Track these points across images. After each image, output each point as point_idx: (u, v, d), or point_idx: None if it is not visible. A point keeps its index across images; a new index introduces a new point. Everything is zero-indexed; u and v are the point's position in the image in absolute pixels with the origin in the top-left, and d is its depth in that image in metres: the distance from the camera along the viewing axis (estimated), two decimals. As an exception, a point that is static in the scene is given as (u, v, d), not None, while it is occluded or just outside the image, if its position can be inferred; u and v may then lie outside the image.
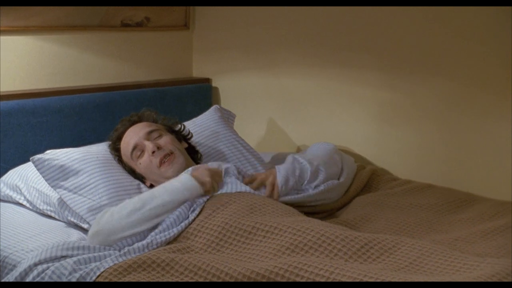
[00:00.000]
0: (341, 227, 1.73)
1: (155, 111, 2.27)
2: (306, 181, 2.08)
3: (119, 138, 2.17)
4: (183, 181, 1.87)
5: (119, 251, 1.79)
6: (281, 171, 2.06)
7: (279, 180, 2.02)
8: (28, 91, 2.49)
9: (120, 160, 2.17)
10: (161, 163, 2.06)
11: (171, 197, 1.84)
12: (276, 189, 2.01)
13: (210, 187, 1.90)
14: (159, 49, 2.99)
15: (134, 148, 2.10)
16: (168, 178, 1.98)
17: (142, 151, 2.09)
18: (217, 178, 1.96)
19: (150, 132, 2.13)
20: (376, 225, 1.95)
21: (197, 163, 2.21)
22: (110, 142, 2.21)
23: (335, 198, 2.17)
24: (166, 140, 2.12)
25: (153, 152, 2.06)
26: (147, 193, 1.88)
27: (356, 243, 1.59)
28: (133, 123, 2.19)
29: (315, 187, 2.08)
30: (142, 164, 2.09)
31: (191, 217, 1.84)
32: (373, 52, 2.55)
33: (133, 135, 2.13)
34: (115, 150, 2.18)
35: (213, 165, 2.09)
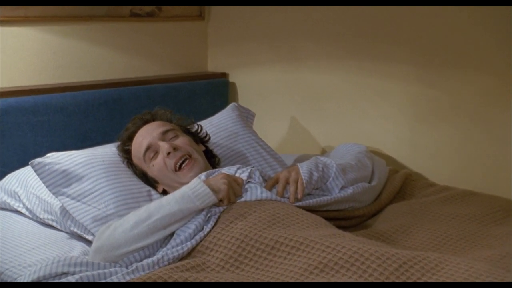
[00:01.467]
0: (376, 243, 1.66)
1: (170, 110, 2.23)
2: (331, 178, 2.02)
3: (130, 138, 2.12)
4: (194, 188, 1.80)
5: (127, 267, 1.73)
6: (303, 166, 2.01)
7: (303, 175, 1.97)
8: (28, 88, 2.47)
9: (130, 163, 2.12)
10: (177, 166, 2.01)
11: (180, 205, 1.77)
12: (301, 186, 1.94)
13: (226, 196, 1.82)
14: (171, 41, 2.97)
15: (148, 148, 2.05)
16: (185, 183, 1.90)
17: (156, 153, 2.04)
18: (235, 187, 1.88)
19: (165, 132, 2.08)
20: (414, 238, 1.89)
21: (214, 168, 2.14)
22: (119, 143, 2.16)
23: (366, 203, 2.12)
24: (183, 141, 2.07)
25: (169, 153, 2.01)
26: (154, 203, 1.82)
27: (393, 262, 1.50)
28: (145, 122, 2.14)
29: (342, 188, 2.03)
30: (156, 166, 2.03)
31: (206, 229, 1.77)
32: (406, 44, 2.50)
33: (146, 135, 2.08)
34: (125, 151, 2.13)
35: (231, 170, 2.01)
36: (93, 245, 1.78)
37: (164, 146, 2.02)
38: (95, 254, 1.76)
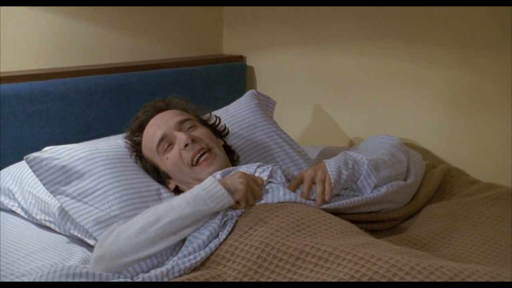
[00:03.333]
0: (416, 253, 1.57)
1: (185, 98, 2.18)
2: (362, 176, 1.97)
3: (141, 128, 2.07)
4: (207, 188, 1.73)
5: (132, 279, 1.66)
6: (330, 164, 1.97)
7: (331, 174, 1.92)
8: (24, 73, 2.43)
9: (138, 156, 2.07)
10: (194, 160, 1.96)
11: (192, 208, 1.70)
12: (328, 186, 1.89)
13: (243, 197, 1.76)
14: (183, 21, 2.96)
15: (162, 139, 2.00)
16: (202, 179, 1.86)
17: (171, 144, 2.00)
18: (254, 187, 1.80)
19: (182, 122, 2.03)
20: (456, 245, 1.82)
21: (233, 165, 2.08)
22: (128, 133, 2.11)
23: (401, 203, 2.07)
24: (202, 132, 2.02)
25: (186, 145, 1.95)
26: (163, 205, 1.76)
27: (437, 277, 1.41)
28: (159, 110, 2.09)
29: (375, 187, 1.98)
30: (170, 159, 1.98)
31: (222, 235, 1.70)
32: (445, 23, 2.46)
33: (160, 124, 2.02)
34: (134, 143, 2.08)
35: (250, 168, 1.94)
36: (94, 253, 1.72)
37: (181, 137, 1.97)
38: (96, 263, 1.69)
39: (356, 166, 1.98)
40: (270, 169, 1.92)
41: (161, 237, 1.68)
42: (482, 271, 1.42)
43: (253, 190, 1.79)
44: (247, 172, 1.88)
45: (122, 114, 2.50)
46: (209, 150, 1.98)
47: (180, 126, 2.01)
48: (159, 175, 2.03)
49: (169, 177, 2.02)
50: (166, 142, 2.00)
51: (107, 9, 2.66)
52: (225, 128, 2.18)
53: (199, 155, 1.96)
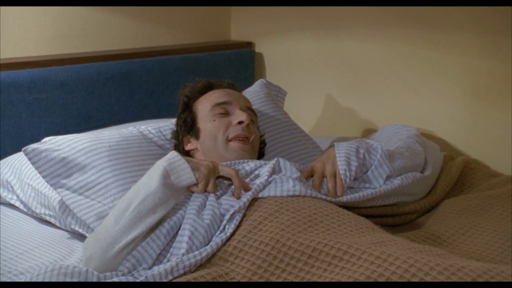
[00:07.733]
0: (436, 251, 1.55)
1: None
2: (373, 166, 1.96)
3: (209, 87, 2.11)
4: (171, 160, 1.73)
5: (131, 274, 1.66)
6: (341, 152, 1.97)
7: (340, 167, 1.92)
8: (22, 60, 2.43)
9: (187, 104, 2.09)
10: (234, 139, 2.00)
11: (158, 181, 1.68)
12: (340, 182, 1.90)
13: (203, 178, 1.75)
14: (189, 5, 2.91)
15: (224, 103, 2.04)
16: (222, 157, 1.95)
17: (226, 114, 2.03)
18: (214, 178, 1.79)
19: (250, 110, 2.09)
20: (477, 242, 1.80)
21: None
22: (191, 84, 2.14)
23: (417, 197, 2.06)
24: (256, 132, 2.06)
25: (241, 122, 1.99)
26: (130, 190, 1.76)
27: (460, 278, 1.37)
28: (231, 87, 2.15)
29: (387, 178, 1.96)
30: (215, 124, 2.01)
31: (229, 230, 1.68)
32: (466, 8, 2.42)
33: (231, 94, 2.08)
34: (194, 91, 2.11)
35: (260, 165, 1.92)
36: (83, 257, 1.73)
37: (243, 114, 2.00)
38: (87, 265, 1.70)
39: (367, 155, 1.97)
40: (272, 163, 1.91)
41: (138, 218, 1.67)
42: (508, 271, 1.39)
43: (214, 179, 1.79)
44: (247, 167, 1.89)
45: (125, 103, 2.49)
46: (250, 144, 2.02)
47: (246, 111, 2.05)
48: (186, 127, 2.05)
49: (196, 137, 2.03)
50: (224, 109, 2.03)
51: (109, -7, 2.66)
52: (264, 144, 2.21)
53: (240, 138, 1.99)
